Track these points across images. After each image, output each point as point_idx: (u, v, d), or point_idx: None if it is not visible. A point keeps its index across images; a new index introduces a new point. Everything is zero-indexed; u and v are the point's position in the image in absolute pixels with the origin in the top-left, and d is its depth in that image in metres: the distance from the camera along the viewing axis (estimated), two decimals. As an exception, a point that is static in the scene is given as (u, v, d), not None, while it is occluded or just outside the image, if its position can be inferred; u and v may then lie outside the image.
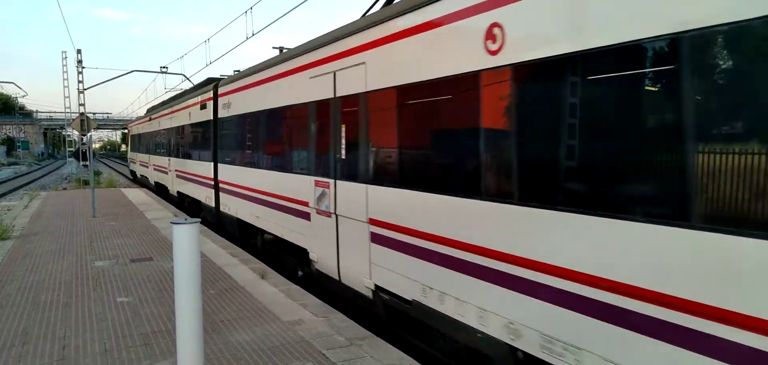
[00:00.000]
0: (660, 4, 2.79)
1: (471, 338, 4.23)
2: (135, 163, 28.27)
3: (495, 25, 3.90)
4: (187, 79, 32.23)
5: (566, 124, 3.37)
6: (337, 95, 6.19)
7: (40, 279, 7.07)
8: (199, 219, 4.06)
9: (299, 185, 7.20)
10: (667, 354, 2.75)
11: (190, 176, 14.19)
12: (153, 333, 5.06)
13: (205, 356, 4.14)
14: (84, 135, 16.00)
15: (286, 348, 4.69)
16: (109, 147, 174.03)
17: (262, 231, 8.95)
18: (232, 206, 10.48)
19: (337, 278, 6.37)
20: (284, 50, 9.70)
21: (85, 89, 30.32)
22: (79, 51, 31.06)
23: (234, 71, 12.98)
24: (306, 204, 7.00)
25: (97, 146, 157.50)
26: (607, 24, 3.06)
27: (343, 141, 6.06)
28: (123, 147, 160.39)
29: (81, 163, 38.05)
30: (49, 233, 10.73)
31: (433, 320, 4.70)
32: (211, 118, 11.76)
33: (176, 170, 16.07)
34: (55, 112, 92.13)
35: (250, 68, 9.85)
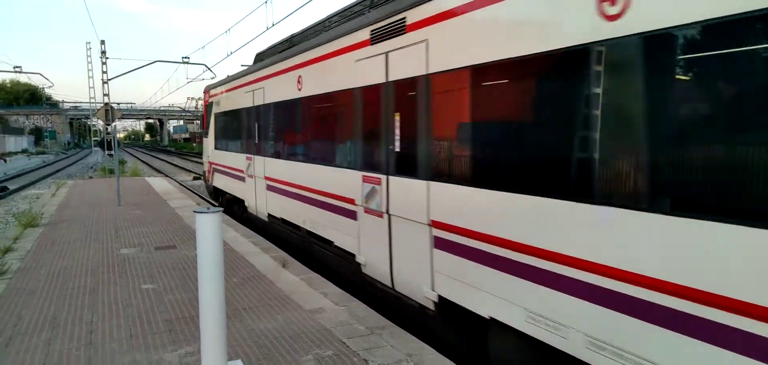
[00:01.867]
0: None
1: None
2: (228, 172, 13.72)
3: None
4: (209, 69, 32.55)
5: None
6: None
7: (68, 266, 7.25)
8: (222, 208, 4.11)
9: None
10: None
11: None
12: (177, 320, 5.15)
13: (228, 342, 4.21)
14: (109, 125, 16.29)
15: (307, 335, 4.74)
16: (133, 137, 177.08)
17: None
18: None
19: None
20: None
21: (109, 80, 30.82)
22: (102, 42, 31.56)
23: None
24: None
25: (121, 135, 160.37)
26: None
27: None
28: (146, 137, 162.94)
29: (106, 152, 38.77)
30: (76, 221, 10.98)
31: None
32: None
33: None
34: (81, 102, 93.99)
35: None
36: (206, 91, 15.17)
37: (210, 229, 3.86)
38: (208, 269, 3.82)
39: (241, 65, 14.38)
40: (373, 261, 5.99)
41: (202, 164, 19.79)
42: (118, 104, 77.25)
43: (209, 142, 14.86)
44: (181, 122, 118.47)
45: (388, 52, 5.47)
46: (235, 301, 5.68)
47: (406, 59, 5.14)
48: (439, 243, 4.74)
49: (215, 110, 13.91)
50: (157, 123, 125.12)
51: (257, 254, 7.93)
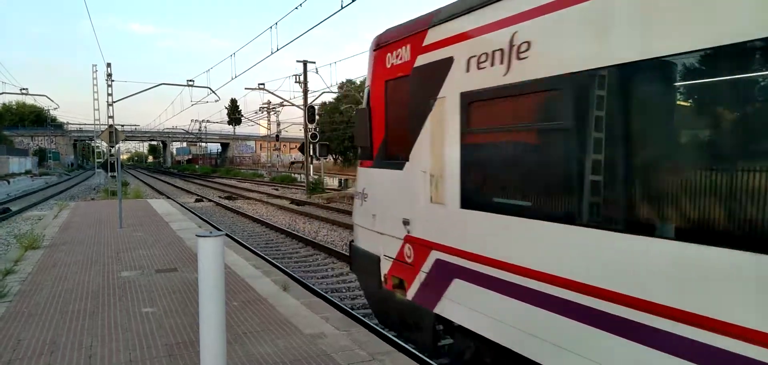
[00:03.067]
0: None
1: None
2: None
3: None
4: (213, 92, 32.80)
5: None
6: None
7: (68, 289, 7.21)
8: (224, 232, 4.10)
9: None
10: None
11: None
12: (177, 344, 5.10)
13: (228, 368, 4.16)
14: (113, 146, 16.36)
15: (308, 361, 4.69)
16: (136, 158, 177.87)
17: None
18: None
19: None
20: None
21: (114, 102, 31.04)
22: (108, 65, 31.85)
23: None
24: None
25: (124, 157, 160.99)
26: None
27: None
28: (149, 158, 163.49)
29: (109, 174, 38.86)
30: (78, 243, 10.96)
31: None
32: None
33: None
34: (85, 123, 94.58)
35: None
36: (387, 44, 5.77)
37: (212, 253, 3.84)
38: (209, 293, 3.80)
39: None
40: None
41: (209, 186, 18.08)
42: (123, 125, 77.75)
43: (407, 179, 5.29)
44: (184, 144, 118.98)
45: None
46: (236, 325, 5.63)
47: None
48: None
49: (455, 85, 4.58)
50: (161, 145, 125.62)
51: (258, 277, 7.89)
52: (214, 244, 3.82)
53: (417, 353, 5.89)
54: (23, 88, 43.80)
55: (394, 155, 5.55)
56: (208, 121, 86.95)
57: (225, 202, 27.08)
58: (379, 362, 4.68)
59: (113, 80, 31.39)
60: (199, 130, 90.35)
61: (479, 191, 4.37)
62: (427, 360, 5.67)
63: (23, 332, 5.47)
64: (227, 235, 13.71)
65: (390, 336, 6.43)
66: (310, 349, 4.97)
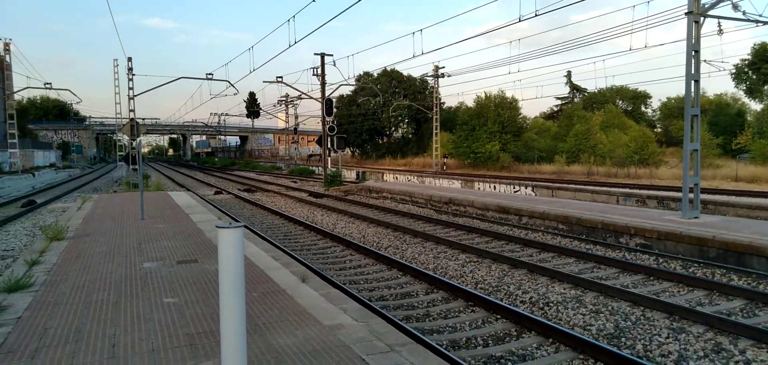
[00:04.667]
0: None
1: None
2: None
3: None
4: (232, 85, 33.01)
5: None
6: None
7: (91, 279, 7.35)
8: (243, 224, 4.13)
9: None
10: None
11: None
12: (197, 334, 5.17)
13: (248, 358, 4.20)
14: (134, 140, 16.58)
15: (327, 351, 4.71)
16: (157, 151, 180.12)
17: None
18: None
19: None
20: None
21: (135, 96, 31.45)
22: (129, 59, 32.27)
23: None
24: None
25: (145, 150, 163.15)
26: None
27: None
28: (170, 151, 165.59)
29: (130, 167, 39.43)
30: (101, 235, 11.16)
31: None
32: None
33: None
34: (107, 117, 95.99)
35: None
36: None
37: (232, 244, 3.88)
38: (229, 284, 3.83)
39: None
40: None
41: (228, 179, 18.75)
42: (143, 119, 78.74)
43: None
44: (204, 137, 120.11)
45: None
46: (255, 316, 5.68)
47: None
48: None
49: None
50: (181, 138, 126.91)
51: (277, 269, 7.94)
52: (234, 235, 3.84)
53: (435, 344, 5.89)
54: (47, 83, 44.53)
55: None
56: (227, 114, 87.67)
57: (244, 194, 27.31)
58: (397, 353, 4.68)
59: (134, 75, 31.79)
60: (219, 123, 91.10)
61: None
62: (445, 351, 5.67)
63: (49, 321, 5.59)
64: (246, 227, 13.83)
65: (408, 327, 6.43)
66: (329, 340, 5.00)
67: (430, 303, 8.03)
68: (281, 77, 35.90)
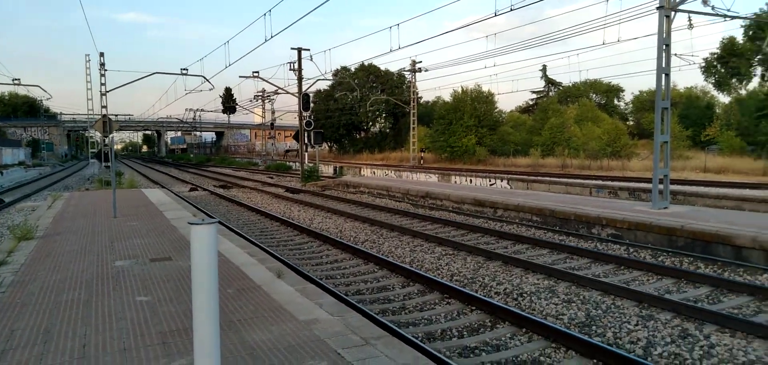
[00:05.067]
0: None
1: None
2: None
3: None
4: (207, 80, 32.58)
5: None
6: None
7: (61, 278, 7.21)
8: (217, 219, 4.11)
9: None
10: None
11: None
12: (170, 332, 5.12)
13: (222, 355, 4.18)
14: (106, 136, 16.26)
15: (302, 347, 4.72)
16: (130, 148, 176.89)
17: None
18: None
19: None
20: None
21: (108, 92, 30.80)
22: (101, 54, 31.56)
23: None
24: None
25: (119, 147, 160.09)
26: None
27: None
28: (144, 148, 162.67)
29: (103, 164, 38.72)
30: (72, 233, 10.94)
31: None
32: None
33: None
34: (78, 113, 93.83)
35: None
36: None
37: (205, 240, 3.84)
38: (202, 281, 3.80)
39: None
40: None
41: (204, 175, 18.31)
42: (116, 115, 77.17)
43: None
44: (179, 133, 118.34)
45: None
46: (230, 313, 5.65)
47: None
48: None
49: None
50: (155, 135, 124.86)
51: (253, 265, 7.91)
52: (207, 232, 3.81)
53: (411, 337, 5.95)
54: (15, 79, 43.41)
55: None
56: (202, 110, 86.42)
57: (220, 191, 27.04)
58: (372, 346, 4.72)
59: (106, 70, 31.11)
60: (194, 119, 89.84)
61: None
62: (420, 343, 5.73)
63: (17, 322, 5.47)
64: (221, 223, 13.70)
65: (384, 321, 6.47)
66: (304, 335, 5.01)
67: (406, 296, 8.08)
68: (258, 72, 35.61)
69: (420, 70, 46.64)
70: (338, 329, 5.17)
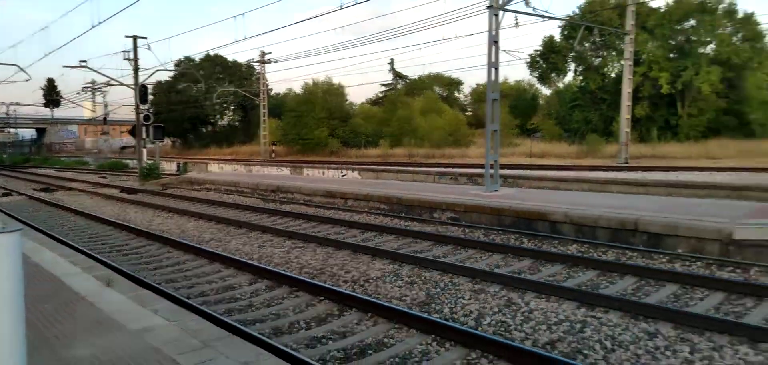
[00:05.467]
0: None
1: None
2: None
3: None
4: (22, 70, 28.65)
5: None
6: None
7: None
8: (22, 227, 3.63)
9: None
10: None
11: None
12: (-32, 360, 4.42)
13: (31, 378, 3.71)
14: None
15: (132, 357, 4.36)
16: None
17: None
18: None
19: None
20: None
21: None
22: None
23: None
24: None
25: None
26: None
27: None
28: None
29: None
30: None
31: None
32: None
33: None
34: None
35: None
36: None
37: (6, 251, 3.37)
38: (4, 298, 3.33)
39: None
40: None
41: (20, 178, 16.01)
42: None
43: None
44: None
45: None
46: (44, 329, 5.03)
47: None
48: None
49: None
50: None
51: (76, 274, 7.12)
52: (9, 240, 3.35)
53: (256, 334, 5.82)
54: None
55: None
56: (18, 104, 75.67)
57: (41, 195, 23.93)
58: (212, 348, 4.53)
59: None
60: (7, 114, 78.23)
61: None
62: (263, 338, 5.64)
63: None
64: (40, 230, 12.15)
65: (228, 320, 6.25)
66: (136, 345, 4.64)
67: (253, 293, 7.89)
68: (85, 62, 32.12)
69: (269, 61, 45.72)
70: (175, 334, 4.87)
